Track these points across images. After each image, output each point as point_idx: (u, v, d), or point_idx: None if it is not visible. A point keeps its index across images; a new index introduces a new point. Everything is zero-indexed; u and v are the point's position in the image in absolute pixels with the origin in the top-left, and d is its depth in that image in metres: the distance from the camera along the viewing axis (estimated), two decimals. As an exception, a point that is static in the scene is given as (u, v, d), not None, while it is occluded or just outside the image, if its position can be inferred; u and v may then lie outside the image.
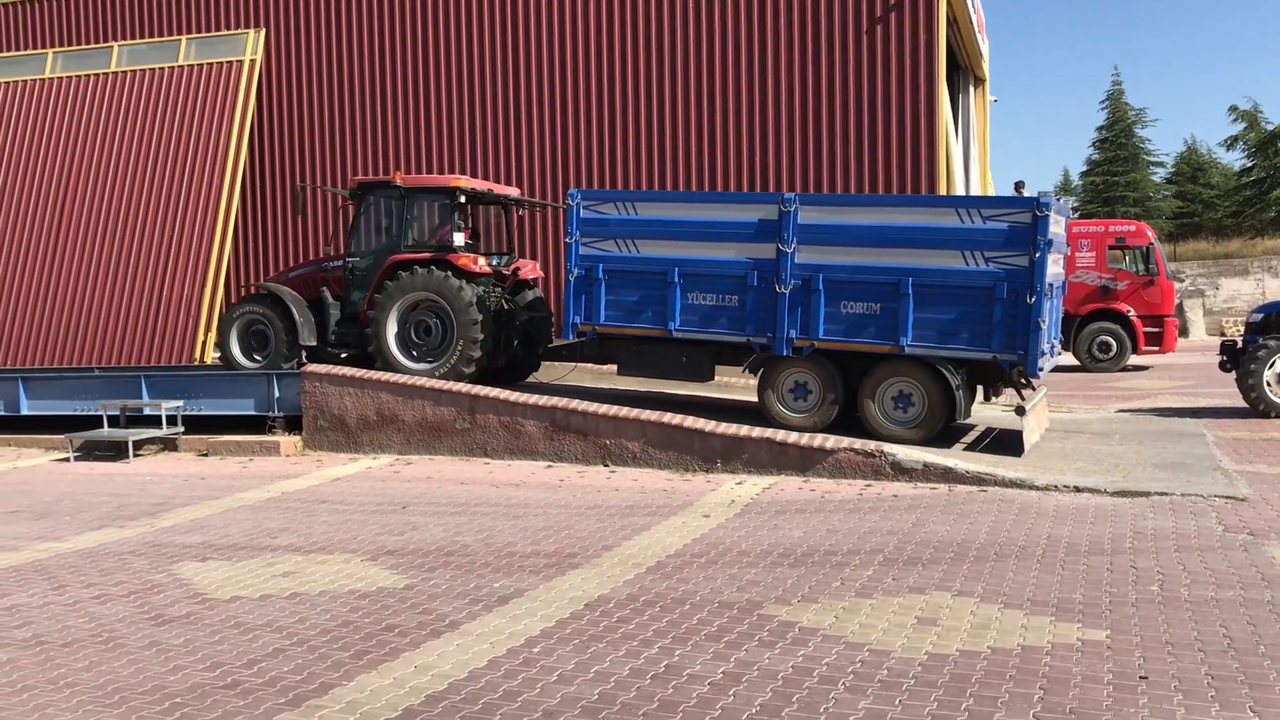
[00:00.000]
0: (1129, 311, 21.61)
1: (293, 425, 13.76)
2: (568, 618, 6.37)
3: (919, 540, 8.11)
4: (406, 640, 6.00)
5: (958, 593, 6.70)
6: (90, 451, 13.86)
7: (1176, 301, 23.60)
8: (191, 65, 20.54)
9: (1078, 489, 9.71)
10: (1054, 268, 11.72)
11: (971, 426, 13.21)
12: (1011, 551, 7.68)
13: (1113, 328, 21.70)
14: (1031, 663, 5.43)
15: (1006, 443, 11.94)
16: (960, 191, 18.47)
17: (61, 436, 14.48)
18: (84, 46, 21.50)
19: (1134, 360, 22.26)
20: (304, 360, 14.38)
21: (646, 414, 11.56)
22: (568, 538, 8.53)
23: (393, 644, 5.94)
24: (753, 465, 10.99)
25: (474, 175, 18.71)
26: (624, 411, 11.69)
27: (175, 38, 20.83)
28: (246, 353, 14.74)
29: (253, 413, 13.95)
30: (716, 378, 13.25)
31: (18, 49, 22.08)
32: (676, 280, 12.37)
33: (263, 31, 20.31)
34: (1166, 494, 9.44)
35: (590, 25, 18.34)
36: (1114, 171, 54.44)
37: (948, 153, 16.90)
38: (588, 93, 18.46)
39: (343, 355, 14.74)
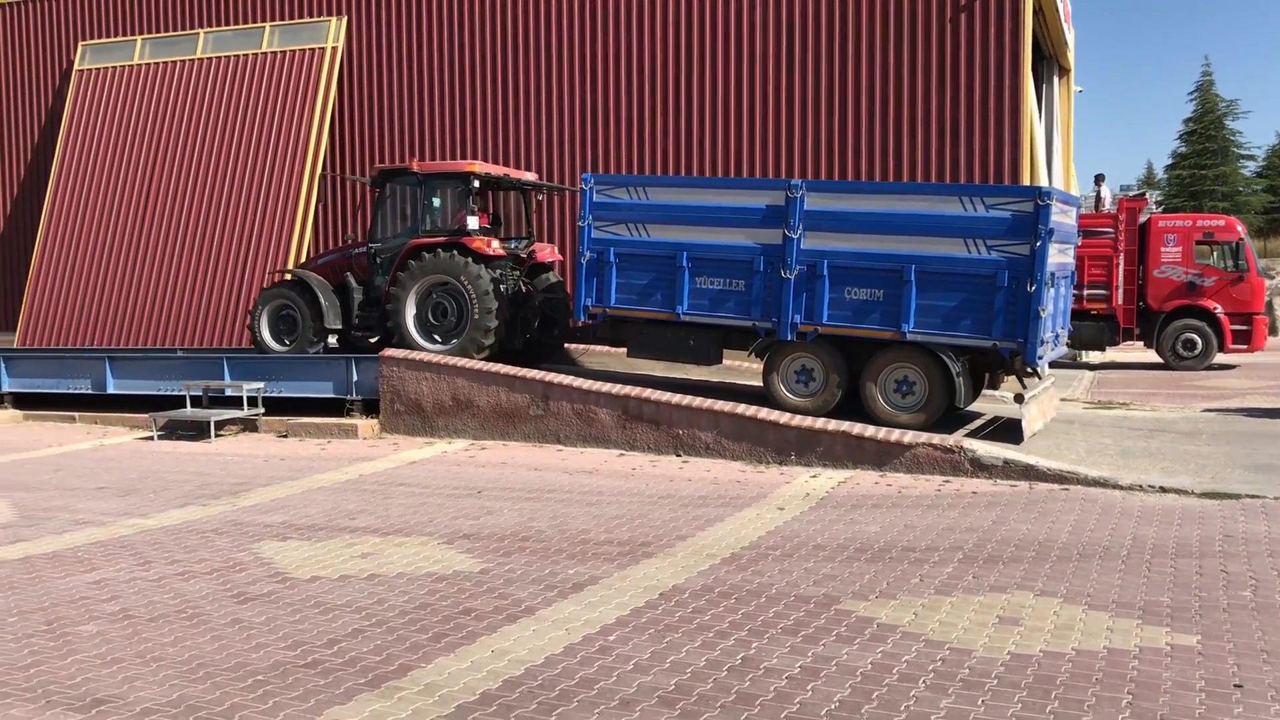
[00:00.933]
0: (1216, 309, 21.01)
1: (370, 409, 13.93)
2: (643, 606, 6.35)
3: (999, 538, 7.96)
4: (483, 624, 6.02)
5: (1040, 593, 6.56)
6: (174, 431, 14.16)
7: (1266, 299, 22.88)
8: (275, 52, 20.85)
9: (1163, 489, 9.46)
10: (1059, 258, 11.73)
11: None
12: (1095, 552, 7.50)
13: (1199, 325, 21.10)
14: (1119, 666, 5.30)
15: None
16: (1045, 183, 18.03)
17: (146, 415, 14.84)
18: (172, 34, 21.93)
19: (1220, 359, 21.65)
20: (329, 344, 14.95)
21: (720, 404, 11.51)
22: (641, 526, 8.52)
23: (470, 628, 5.97)
24: (827, 458, 10.89)
25: (549, 166, 18.77)
26: (697, 402, 11.65)
27: (259, 25, 21.15)
28: (276, 336, 15.18)
29: (331, 395, 14.15)
30: (725, 361, 13.34)
31: (108, 36, 22.58)
32: (685, 264, 12.55)
33: (344, 19, 20.54)
34: (1258, 497, 9.16)
35: (670, 15, 18.27)
36: (1202, 165, 53.08)
37: (1032, 145, 16.55)
38: (664, 81, 18.38)
39: (372, 340, 15.12)
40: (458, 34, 19.77)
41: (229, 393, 14.39)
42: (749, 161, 17.72)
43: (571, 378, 12.58)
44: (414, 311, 14.21)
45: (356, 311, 14.99)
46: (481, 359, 13.65)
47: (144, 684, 5.15)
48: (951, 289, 11.37)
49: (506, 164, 19.27)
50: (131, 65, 22.03)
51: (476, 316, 13.85)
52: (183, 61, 21.59)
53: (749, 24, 17.71)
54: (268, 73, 20.76)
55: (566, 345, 15.76)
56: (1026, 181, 16.44)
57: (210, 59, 21.36)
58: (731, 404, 11.52)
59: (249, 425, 14.28)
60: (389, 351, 13.68)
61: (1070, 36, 24.81)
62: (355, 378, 13.93)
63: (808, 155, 17.40)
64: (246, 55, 21.04)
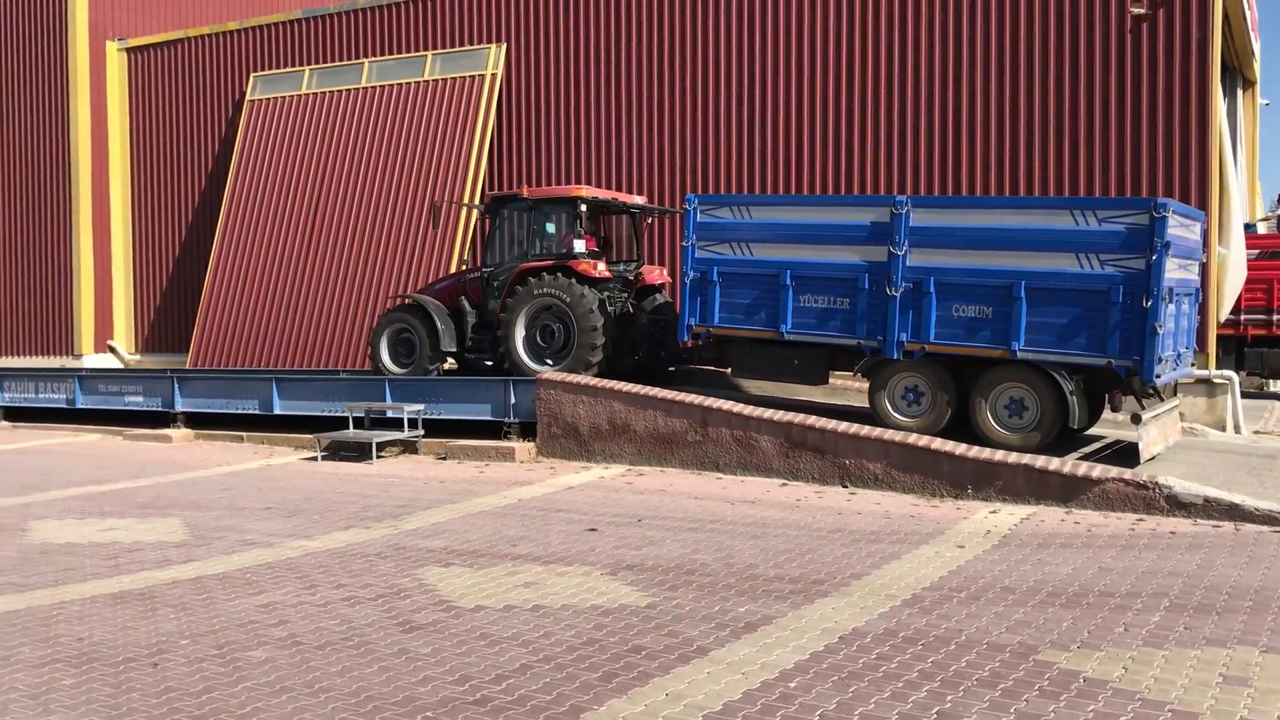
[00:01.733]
0: None
1: (527, 431, 13.86)
2: (822, 651, 5.96)
3: (1208, 584, 7.28)
4: (655, 665, 5.72)
5: (1266, 648, 5.91)
6: (336, 451, 14.35)
7: None
8: (437, 80, 21.22)
9: (1392, 535, 8.58)
10: (1179, 273, 11.35)
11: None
12: (1324, 604, 6.77)
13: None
14: (1378, 742, 4.67)
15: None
16: (1235, 203, 16.90)
17: (310, 436, 15.10)
18: (338, 63, 22.55)
19: None
20: (443, 367, 15.45)
21: (890, 434, 11.01)
22: (812, 562, 8.11)
23: (641, 667, 5.67)
24: (1007, 493, 10.27)
25: (701, 187, 18.54)
26: (865, 430, 11.17)
27: (422, 53, 21.57)
28: (395, 358, 15.64)
29: (489, 418, 14.14)
30: (831, 381, 13.27)
31: (277, 67, 23.37)
32: (788, 283, 12.46)
33: (504, 46, 20.77)
34: None
35: (841, 29, 17.87)
36: (1395, 182, 49.59)
37: (1221, 164, 15.52)
38: (824, 97, 17.97)
39: (487, 363, 15.37)
40: (615, 58, 19.75)
41: (390, 414, 14.53)
42: (913, 178, 17.13)
43: (731, 403, 12.24)
44: (523, 334, 14.47)
45: (470, 335, 15.32)
46: (592, 373, 13.85)
47: (312, 716, 5.01)
48: (1063, 305, 11.07)
49: (660, 188, 19.14)
50: (299, 95, 22.74)
51: (582, 338, 14.01)
52: (348, 90, 22.17)
53: (913, 41, 17.16)
54: (429, 100, 21.13)
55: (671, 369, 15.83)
56: (1216, 206, 15.43)
57: (374, 87, 21.87)
58: (902, 434, 11.00)
59: (408, 447, 14.38)
60: (546, 374, 13.59)
61: (1257, 47, 23.38)
62: (513, 400, 13.89)
63: (975, 172, 16.72)
64: (409, 83, 21.47)
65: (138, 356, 25.32)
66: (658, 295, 15.49)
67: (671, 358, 15.31)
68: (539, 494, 11.23)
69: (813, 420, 11.52)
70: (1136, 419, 10.99)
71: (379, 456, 13.97)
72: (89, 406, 17.86)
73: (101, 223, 25.43)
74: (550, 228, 14.99)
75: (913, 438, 10.88)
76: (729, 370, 14.02)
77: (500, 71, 20.69)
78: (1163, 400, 12.00)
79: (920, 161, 17.12)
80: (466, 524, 9.69)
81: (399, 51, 21.95)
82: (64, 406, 18.16)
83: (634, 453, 12.73)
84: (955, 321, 11.59)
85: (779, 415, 11.74)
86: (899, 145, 17.27)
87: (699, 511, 10.17)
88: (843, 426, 11.31)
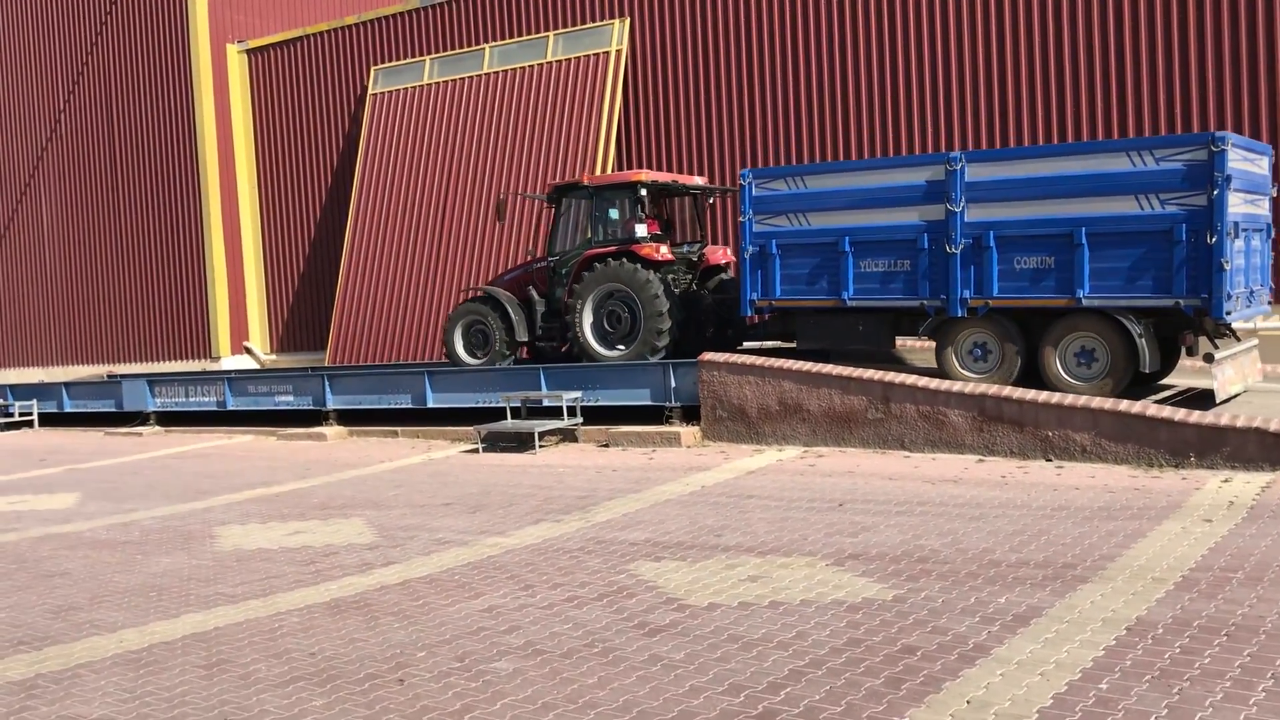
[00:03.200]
0: None
1: (689, 415, 13.42)
2: (1116, 645, 5.36)
3: None
4: (937, 666, 5.19)
5: None
6: (495, 443, 14.08)
7: None
8: (559, 61, 20.84)
9: None
10: (1246, 208, 11.14)
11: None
12: None
13: None
14: None
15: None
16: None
17: (466, 429, 14.90)
18: (459, 51, 22.33)
19: None
20: (519, 355, 15.77)
21: (1098, 401, 10.27)
22: (1050, 544, 7.49)
23: (923, 669, 5.15)
24: (1236, 460, 9.48)
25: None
26: (1070, 399, 10.45)
27: (543, 34, 21.21)
28: (469, 350, 15.97)
29: (649, 403, 13.73)
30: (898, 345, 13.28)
31: (398, 58, 23.25)
32: (848, 249, 12.49)
33: (627, 21, 20.28)
34: None
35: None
36: None
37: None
38: (948, 75, 17.12)
39: (562, 349, 15.52)
40: (745, 27, 19.12)
41: (546, 403, 14.21)
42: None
43: (915, 377, 11.61)
44: (591, 320, 14.72)
45: (540, 323, 15.61)
46: (658, 358, 14.03)
47: (589, 736, 4.60)
48: (1127, 249, 10.97)
49: (790, 158, 18.50)
50: (421, 85, 22.58)
51: (648, 321, 14.16)
52: (470, 78, 21.94)
53: None
54: (553, 81, 20.77)
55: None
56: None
57: (496, 73, 21.60)
58: (1113, 401, 10.26)
59: (568, 435, 14.05)
60: (708, 356, 13.11)
61: None
62: (673, 384, 13.45)
63: (1024, 126, 15.73)
64: (531, 66, 21.14)
65: (273, 356, 25.57)
66: (723, 275, 15.30)
67: (739, 335, 15.15)
68: (721, 479, 10.76)
69: (1009, 391, 10.84)
70: (1209, 358, 10.79)
71: (540, 446, 13.65)
72: (239, 408, 17.95)
73: (231, 225, 25.70)
74: (612, 213, 15.04)
75: (1124, 404, 10.14)
76: (794, 343, 13.76)
77: (625, 48, 20.21)
78: (1239, 340, 11.82)
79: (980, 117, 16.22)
80: (659, 514, 9.27)
81: (519, 34, 21.62)
82: (214, 409, 18.28)
83: (808, 433, 12.19)
84: (1018, 274, 11.52)
85: (970, 388, 11.08)
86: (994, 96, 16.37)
87: (899, 493, 9.59)
88: (1043, 396, 10.61)
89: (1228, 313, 10.69)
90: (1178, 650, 5.26)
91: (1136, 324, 11.00)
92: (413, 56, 23.05)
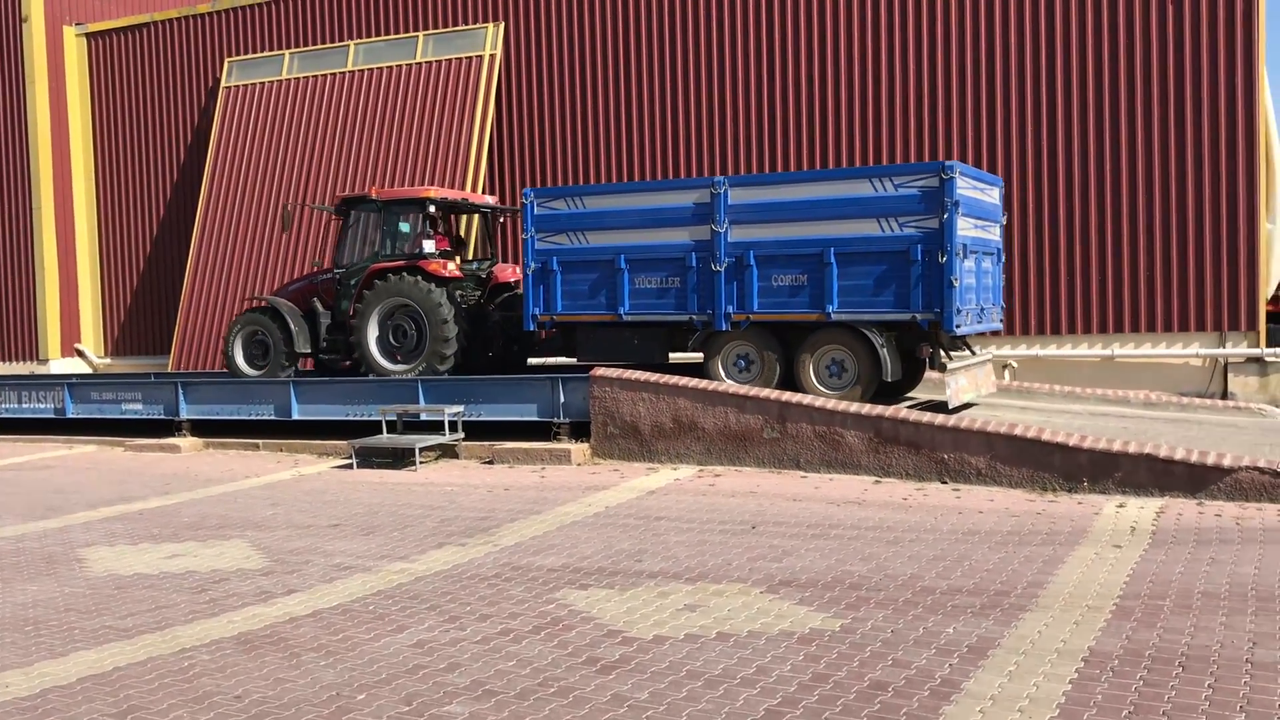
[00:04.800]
0: None
1: (578, 432, 13.12)
2: (1079, 678, 5.34)
3: None
4: (916, 704, 5.06)
5: None
6: (368, 458, 13.47)
7: None
8: (429, 62, 20.27)
9: None
10: (976, 232, 12.39)
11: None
12: None
13: None
14: None
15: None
16: None
17: (333, 442, 14.26)
18: (321, 46, 21.46)
19: None
20: (300, 366, 15.75)
21: (994, 425, 10.45)
22: (974, 570, 7.51)
23: (903, 708, 5.01)
24: (1128, 485, 9.76)
25: (726, 172, 17.88)
26: (966, 422, 10.60)
27: (413, 34, 20.59)
28: (249, 360, 15.92)
29: (536, 418, 13.36)
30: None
31: (255, 51, 22.21)
32: (623, 266, 13.16)
33: (502, 25, 19.87)
34: None
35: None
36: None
37: (1267, 137, 15.22)
38: (824, 87, 17.40)
39: (345, 364, 15.61)
40: (624, 35, 18.96)
41: (425, 417, 13.67)
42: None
43: (811, 397, 11.60)
44: (376, 334, 14.81)
45: (324, 335, 15.57)
46: (443, 374, 14.28)
47: (576, 790, 4.27)
48: (870, 267, 11.97)
49: (677, 173, 18.44)
50: (280, 80, 21.63)
51: (434, 336, 14.34)
52: (333, 75, 21.13)
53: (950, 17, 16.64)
54: (422, 83, 20.18)
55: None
56: (1263, 181, 15.19)
57: (361, 71, 20.87)
58: (1008, 424, 10.45)
59: (448, 451, 13.55)
60: (601, 371, 12.85)
61: None
62: (562, 399, 13.13)
63: (1013, 153, 16.28)
64: (399, 66, 20.50)
65: (108, 360, 24.03)
66: (513, 292, 15.50)
67: (525, 352, 15.55)
68: (623, 500, 10.49)
69: (905, 413, 10.93)
70: (943, 367, 11.97)
71: (419, 463, 13.11)
72: (80, 415, 16.72)
73: (65, 220, 24.07)
74: (401, 228, 15.12)
75: (1019, 428, 10.34)
76: (575, 358, 14.22)
77: (499, 52, 19.80)
78: (973, 354, 13.14)
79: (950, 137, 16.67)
80: (569, 537, 8.94)
81: (387, 32, 20.94)
82: (51, 416, 16.98)
83: (702, 452, 12.05)
84: (775, 290, 12.43)
85: (867, 409, 11.14)
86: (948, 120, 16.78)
87: (807, 515, 9.52)
88: (939, 419, 10.74)
89: (957, 326, 11.73)
90: (1141, 683, 5.27)
91: (879, 336, 12.02)
92: (270, 50, 22.05)
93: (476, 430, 13.82)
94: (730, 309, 12.63)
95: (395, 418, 13.74)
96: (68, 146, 24.08)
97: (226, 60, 22.38)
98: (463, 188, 19.05)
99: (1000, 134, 16.52)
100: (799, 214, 12.28)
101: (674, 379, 12.33)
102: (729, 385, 12.11)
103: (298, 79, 21.48)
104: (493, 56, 19.75)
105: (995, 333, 15.08)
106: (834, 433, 11.26)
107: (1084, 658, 5.65)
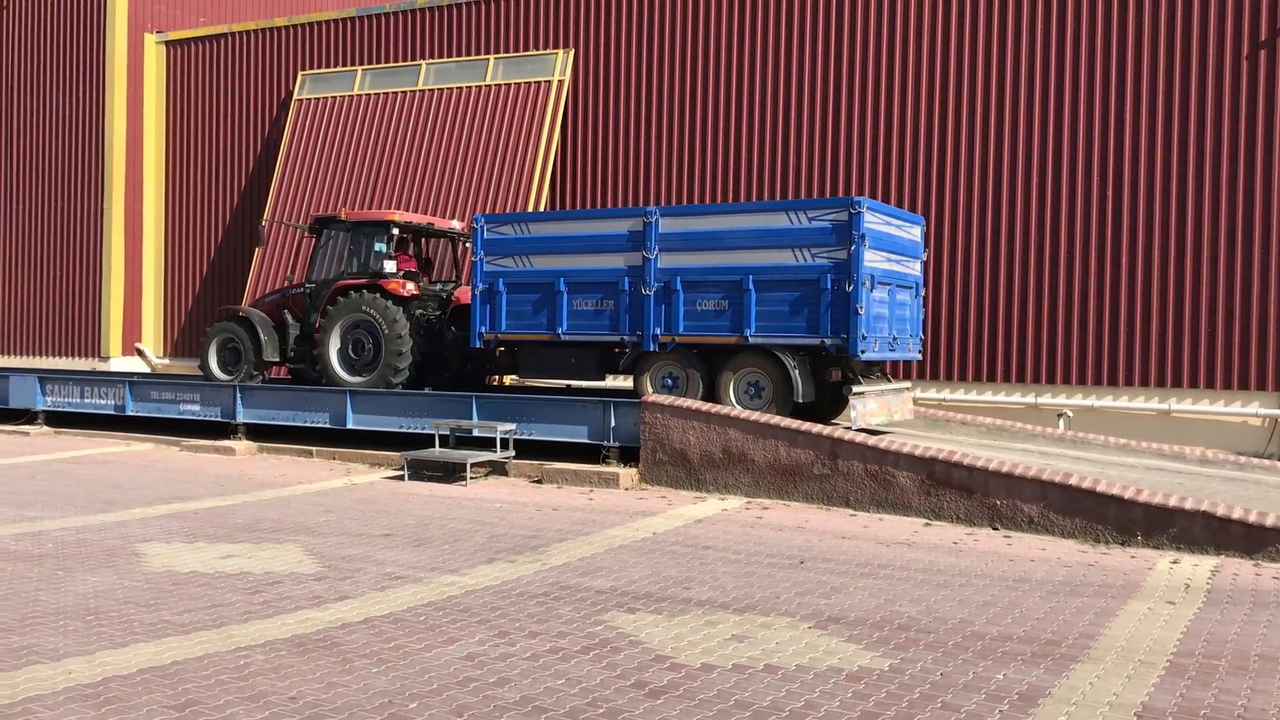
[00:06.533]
0: None
1: (626, 456, 13.18)
2: (1133, 733, 5.30)
3: None
4: (965, 748, 5.04)
5: None
6: (419, 470, 13.60)
7: None
8: (498, 85, 20.55)
9: None
10: (889, 265, 13.16)
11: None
12: None
13: None
14: None
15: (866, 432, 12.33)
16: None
17: (384, 453, 14.42)
18: (394, 64, 21.84)
19: None
20: (267, 375, 16.88)
21: (1049, 474, 10.36)
22: (1025, 618, 7.45)
23: (952, 752, 4.99)
24: (1183, 541, 9.63)
25: (788, 196, 17.94)
26: (1020, 469, 10.52)
27: (483, 57, 20.90)
28: (222, 366, 16.90)
29: (586, 440, 13.44)
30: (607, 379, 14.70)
31: (328, 66, 22.63)
32: (563, 289, 13.99)
33: (571, 52, 20.11)
34: None
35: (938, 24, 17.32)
36: None
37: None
38: (931, 112, 17.42)
39: (315, 372, 16.21)
40: (691, 65, 19.12)
41: (477, 433, 13.80)
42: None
43: (864, 435, 11.58)
44: (338, 346, 15.66)
45: (292, 345, 16.53)
46: (397, 387, 15.14)
47: (625, 810, 4.30)
48: (785, 294, 12.71)
49: (735, 197, 18.52)
50: (351, 95, 22.02)
51: (389, 351, 15.17)
52: (403, 93, 21.48)
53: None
54: (490, 106, 20.45)
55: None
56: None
57: (431, 90, 21.19)
58: (1063, 473, 10.37)
59: (498, 468, 13.66)
60: (653, 397, 12.91)
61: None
62: (613, 423, 13.21)
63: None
64: (469, 88, 20.79)
65: (166, 360, 24.47)
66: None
67: (480, 371, 16.34)
68: (670, 527, 10.52)
69: (959, 456, 10.87)
70: (849, 390, 12.65)
71: (470, 478, 13.22)
72: (139, 414, 17.03)
73: (134, 221, 24.60)
74: (367, 248, 15.94)
75: (1074, 478, 10.24)
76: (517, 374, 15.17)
77: (567, 78, 20.03)
78: (889, 381, 14.06)
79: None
80: (616, 560, 8.98)
81: (458, 54, 21.27)
82: (111, 413, 17.32)
83: (750, 484, 12.05)
84: (700, 314, 13.20)
85: (921, 449, 11.09)
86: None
87: (856, 553, 9.50)
88: (994, 464, 10.67)
89: (862, 351, 12.45)
90: (1195, 741, 5.21)
91: (792, 359, 12.74)
92: (343, 65, 22.47)
93: (526, 449, 13.93)
94: (658, 330, 13.42)
95: (448, 432, 13.87)
96: (141, 150, 24.64)
97: (300, 73, 22.83)
98: (525, 206, 19.27)
99: (1065, 186, 16.45)
100: (722, 243, 13.06)
101: (726, 409, 12.37)
102: (782, 419, 12.11)
103: (368, 95, 21.85)
104: (561, 82, 19.99)
105: (912, 362, 16.01)
106: (886, 472, 11.23)
107: (1136, 713, 5.59)
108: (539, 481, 13.18)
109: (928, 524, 10.85)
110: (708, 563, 8.96)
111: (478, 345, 14.69)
